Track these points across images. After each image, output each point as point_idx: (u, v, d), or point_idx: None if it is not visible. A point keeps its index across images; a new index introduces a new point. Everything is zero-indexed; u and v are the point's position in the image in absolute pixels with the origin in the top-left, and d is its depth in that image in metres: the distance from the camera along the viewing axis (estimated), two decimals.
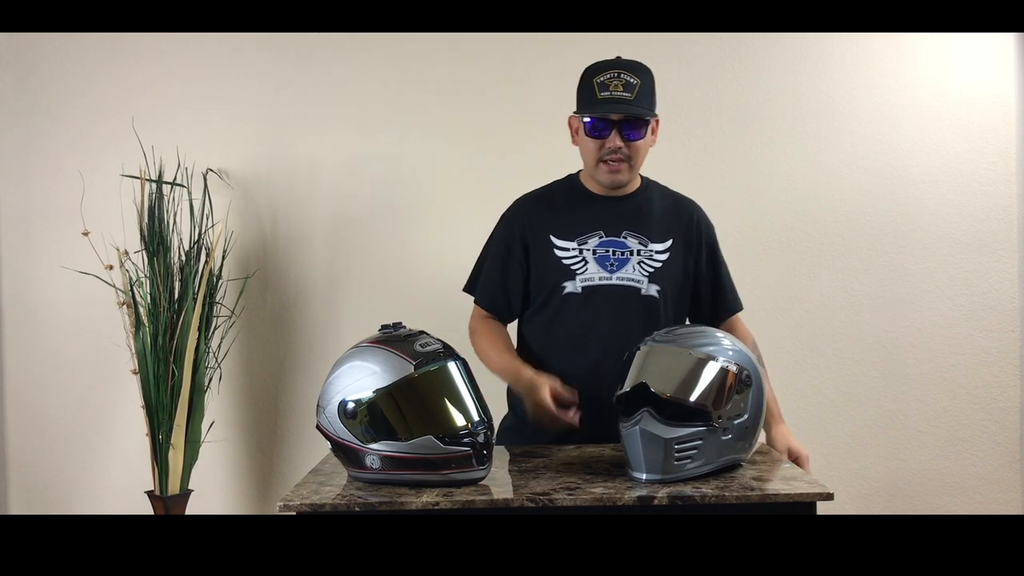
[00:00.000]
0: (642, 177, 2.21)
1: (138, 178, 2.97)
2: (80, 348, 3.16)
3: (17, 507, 3.21)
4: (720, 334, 1.78)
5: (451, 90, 3.12)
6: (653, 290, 2.10)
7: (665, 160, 3.05)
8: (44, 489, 3.20)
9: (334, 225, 3.14)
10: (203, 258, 2.97)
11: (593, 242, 2.11)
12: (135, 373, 2.91)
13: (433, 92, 3.12)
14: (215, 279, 2.99)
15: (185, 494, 2.93)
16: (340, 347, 1.87)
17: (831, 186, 3.11)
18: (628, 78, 2.03)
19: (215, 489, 3.15)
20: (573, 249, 2.11)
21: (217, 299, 3.01)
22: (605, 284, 2.08)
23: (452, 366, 1.73)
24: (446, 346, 1.76)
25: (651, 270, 2.10)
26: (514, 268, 2.16)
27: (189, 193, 3.02)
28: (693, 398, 1.67)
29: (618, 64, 2.07)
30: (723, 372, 1.69)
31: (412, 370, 1.67)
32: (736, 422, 1.70)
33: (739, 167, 3.10)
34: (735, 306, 2.26)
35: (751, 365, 1.74)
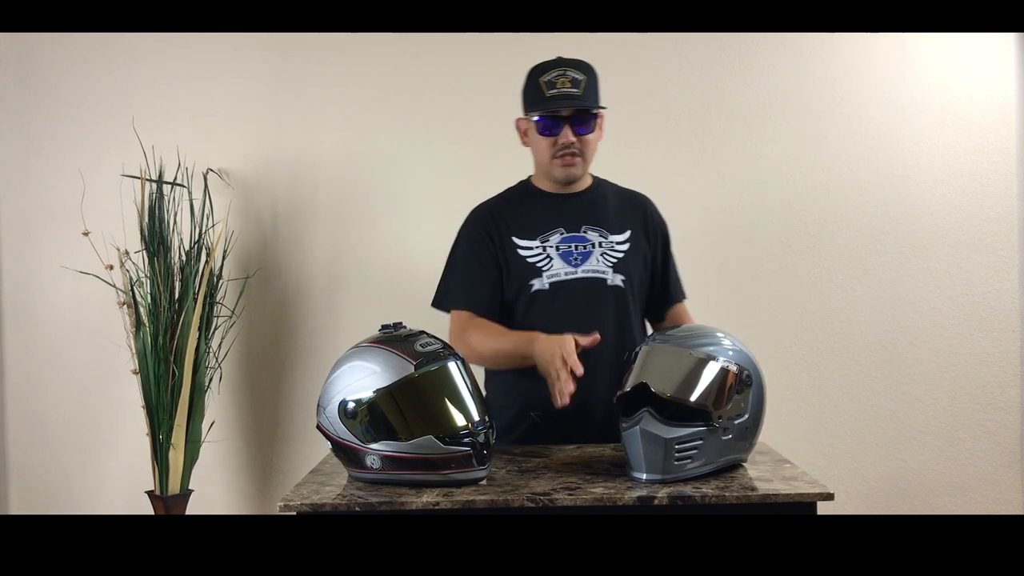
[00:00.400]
0: (592, 176, 2.24)
1: (138, 178, 2.97)
2: (80, 348, 3.16)
3: (18, 507, 3.21)
4: (720, 334, 1.78)
5: (451, 90, 3.12)
6: (619, 280, 2.13)
7: (665, 160, 3.07)
8: (44, 489, 3.20)
9: (334, 225, 3.14)
10: (203, 258, 2.97)
11: (555, 239, 2.14)
12: (135, 373, 2.91)
13: (433, 92, 3.12)
14: (215, 279, 2.99)
15: (185, 494, 2.93)
16: (340, 347, 1.87)
17: (831, 186, 3.11)
18: (574, 75, 2.07)
19: (215, 489, 3.15)
20: (536, 247, 2.13)
21: (217, 299, 3.01)
22: (572, 278, 2.11)
23: (452, 366, 1.72)
24: (446, 346, 1.75)
25: (615, 260, 2.13)
26: (492, 265, 2.16)
27: (189, 193, 3.02)
28: (693, 398, 1.67)
29: (562, 62, 2.10)
30: (723, 372, 1.69)
31: (412, 370, 1.67)
32: (736, 422, 1.70)
33: (739, 167, 3.10)
34: (679, 296, 2.30)
35: (751, 365, 1.74)
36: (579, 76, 2.08)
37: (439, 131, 3.12)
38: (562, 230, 2.14)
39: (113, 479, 3.17)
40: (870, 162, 3.11)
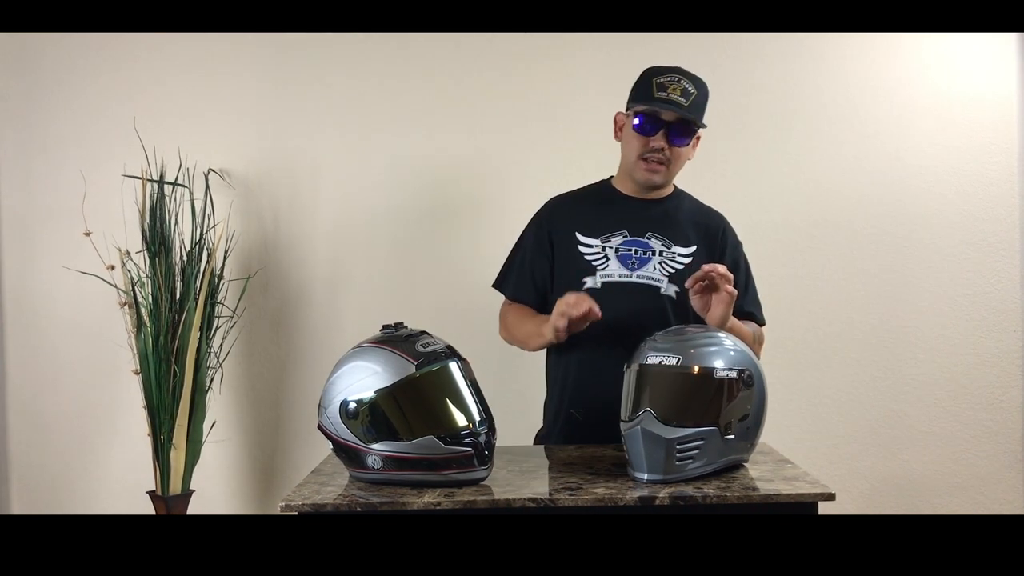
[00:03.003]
0: (675, 186, 2.23)
1: (140, 178, 2.97)
2: (82, 348, 3.16)
3: (19, 507, 3.21)
4: (721, 333, 1.77)
5: (452, 91, 3.12)
6: (672, 290, 2.10)
7: None
8: (46, 489, 3.20)
9: (335, 225, 3.14)
10: (204, 258, 2.97)
11: (616, 240, 2.12)
12: (137, 373, 2.91)
13: (434, 92, 3.12)
14: (216, 279, 2.99)
15: (187, 494, 2.93)
16: (341, 347, 1.87)
17: (833, 186, 3.11)
18: (687, 85, 2.06)
19: (217, 489, 3.15)
20: (596, 246, 2.13)
21: (218, 299, 3.01)
22: (625, 281, 2.09)
23: (454, 366, 1.72)
24: (448, 346, 1.75)
25: (672, 271, 2.11)
26: (542, 263, 2.18)
27: (191, 193, 3.02)
28: (697, 419, 1.66)
29: (679, 70, 2.09)
30: (723, 382, 1.68)
31: (414, 370, 1.67)
32: (739, 423, 1.70)
33: (740, 167, 3.10)
34: (748, 314, 2.18)
35: (752, 364, 1.73)
36: (691, 88, 2.06)
37: (440, 131, 3.12)
38: (625, 232, 2.13)
39: (114, 479, 3.17)
40: (871, 162, 3.10)
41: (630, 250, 2.11)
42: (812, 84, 3.11)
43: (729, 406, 1.68)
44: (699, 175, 3.06)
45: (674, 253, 2.13)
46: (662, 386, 1.70)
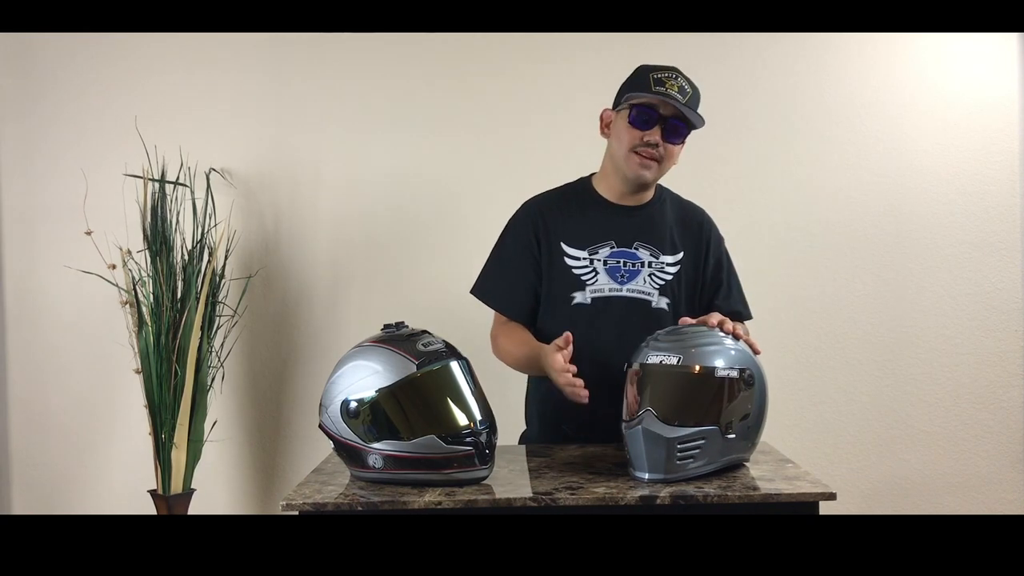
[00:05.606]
0: (657, 186, 2.17)
1: (141, 177, 2.97)
2: (83, 347, 3.16)
3: (20, 507, 3.21)
4: (721, 334, 1.77)
5: (454, 90, 3.12)
6: (663, 303, 2.07)
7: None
8: (47, 489, 3.20)
9: (337, 224, 3.14)
10: (206, 257, 2.97)
11: (604, 252, 2.07)
12: (138, 372, 2.91)
13: (436, 92, 3.12)
14: (218, 278, 2.99)
15: (188, 493, 2.93)
16: (342, 346, 1.87)
17: (834, 186, 3.11)
18: (684, 84, 2.02)
19: (218, 488, 3.15)
20: (584, 259, 2.07)
21: (220, 298, 3.01)
22: (615, 295, 2.05)
23: (455, 365, 1.72)
24: (449, 345, 1.76)
25: (662, 283, 2.07)
26: (533, 272, 2.10)
27: (192, 192, 3.03)
28: (698, 419, 1.66)
29: (675, 69, 2.04)
30: (724, 382, 1.68)
31: (415, 369, 1.67)
32: (740, 422, 1.70)
33: (741, 167, 3.10)
34: (735, 316, 2.13)
35: (753, 364, 1.73)
36: (688, 87, 2.01)
37: (442, 131, 3.12)
38: (613, 243, 2.07)
39: (115, 478, 3.17)
40: (873, 161, 3.11)
41: (618, 262, 2.06)
42: (813, 84, 3.11)
43: (730, 405, 1.68)
44: (699, 176, 3.08)
45: (662, 263, 2.08)
46: (663, 385, 1.70)
